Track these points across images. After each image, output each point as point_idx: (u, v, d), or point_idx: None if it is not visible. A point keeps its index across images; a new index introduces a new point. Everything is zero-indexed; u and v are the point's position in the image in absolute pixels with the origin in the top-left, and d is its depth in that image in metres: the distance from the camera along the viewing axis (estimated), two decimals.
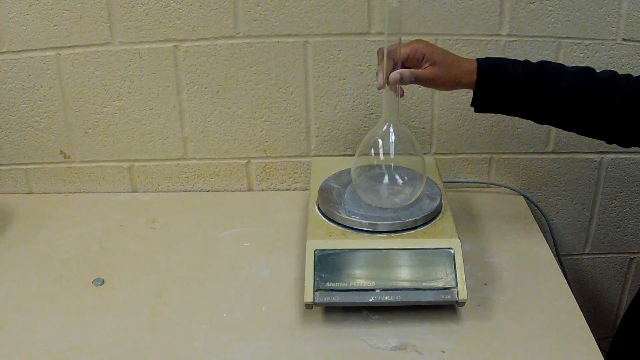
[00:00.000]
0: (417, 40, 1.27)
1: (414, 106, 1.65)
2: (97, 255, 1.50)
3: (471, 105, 1.30)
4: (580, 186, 1.76)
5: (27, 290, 1.38)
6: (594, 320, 1.90)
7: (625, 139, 1.26)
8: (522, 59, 1.58)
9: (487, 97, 1.27)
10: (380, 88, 1.26)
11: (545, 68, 1.26)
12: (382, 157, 1.34)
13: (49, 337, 1.25)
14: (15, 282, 1.41)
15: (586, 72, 1.26)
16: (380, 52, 1.26)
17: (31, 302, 1.34)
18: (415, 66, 1.26)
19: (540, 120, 1.30)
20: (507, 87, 1.25)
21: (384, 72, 1.24)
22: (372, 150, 1.33)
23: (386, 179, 1.37)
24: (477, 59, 1.27)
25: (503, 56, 1.57)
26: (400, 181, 1.37)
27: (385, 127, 1.32)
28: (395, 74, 1.23)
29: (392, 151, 1.33)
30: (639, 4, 1.55)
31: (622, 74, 1.26)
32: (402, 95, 1.31)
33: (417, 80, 1.24)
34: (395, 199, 1.36)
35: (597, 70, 1.26)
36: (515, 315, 1.28)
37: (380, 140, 1.33)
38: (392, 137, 1.32)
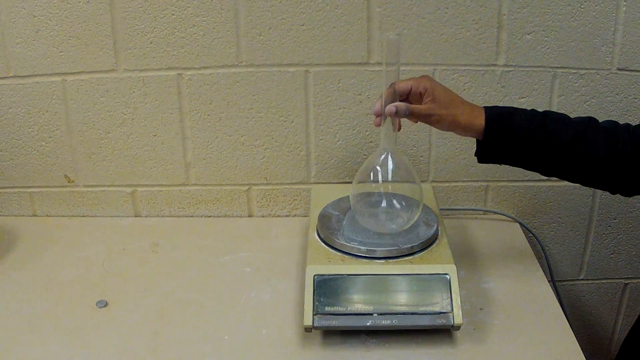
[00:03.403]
0: (423, 76, 1.26)
1: (412, 134, 1.67)
2: (100, 278, 1.51)
3: (475, 154, 1.29)
4: (575, 213, 1.77)
5: (30, 312, 1.39)
6: (589, 345, 1.92)
7: (628, 189, 1.26)
8: (518, 88, 1.61)
9: (495, 145, 1.25)
10: (376, 115, 1.25)
11: (549, 117, 1.25)
12: (379, 183, 1.35)
13: (53, 358, 1.26)
14: (19, 303, 1.42)
15: (589, 121, 1.26)
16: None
17: (35, 323, 1.35)
18: (416, 102, 1.25)
19: (545, 171, 1.29)
20: (514, 135, 1.23)
21: (383, 102, 1.23)
22: (370, 177, 1.34)
23: (384, 205, 1.38)
24: (485, 107, 1.25)
25: (500, 86, 1.60)
26: (397, 207, 1.38)
27: (383, 155, 1.33)
28: (390, 106, 1.22)
29: (389, 178, 1.35)
30: (633, 34, 1.57)
31: (622, 124, 1.26)
32: (398, 129, 1.29)
33: (412, 113, 1.23)
34: (393, 224, 1.37)
35: (600, 121, 1.27)
36: (510, 340, 1.29)
37: (378, 168, 1.34)
38: (389, 165, 1.33)
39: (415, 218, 1.37)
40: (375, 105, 1.25)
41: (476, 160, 1.60)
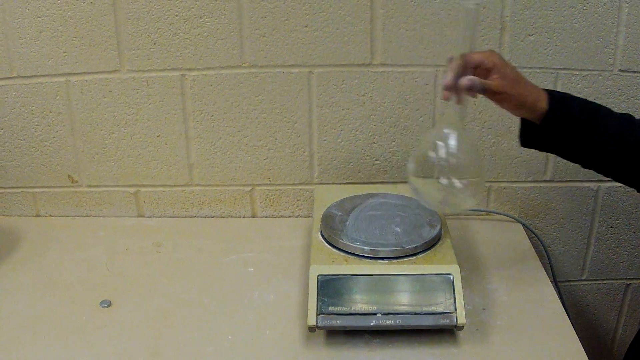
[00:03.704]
0: (491, 52, 1.21)
1: (415, 135, 1.67)
2: (103, 278, 1.51)
3: (520, 136, 1.26)
4: (578, 214, 1.77)
5: (34, 312, 1.39)
6: (591, 345, 1.92)
7: None
8: None
9: (551, 130, 1.22)
10: (446, 89, 1.18)
11: (601, 109, 1.24)
12: (441, 160, 1.24)
13: (56, 358, 1.26)
14: (22, 303, 1.42)
15: (629, 118, 1.24)
16: (450, 60, 1.20)
17: (38, 323, 1.36)
18: (482, 77, 1.19)
19: (585, 162, 1.26)
20: (573, 122, 1.21)
21: (454, 74, 1.17)
22: (432, 153, 1.24)
23: (444, 182, 1.25)
24: (545, 90, 1.22)
25: None
26: (459, 186, 1.25)
27: (447, 130, 1.24)
28: (466, 80, 1.16)
29: (452, 154, 1.24)
30: (636, 35, 1.57)
31: None
32: (459, 102, 1.21)
33: (484, 90, 1.18)
34: (451, 204, 1.30)
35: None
36: (512, 340, 1.30)
37: (441, 143, 1.23)
38: (454, 142, 1.23)
39: (475, 201, 1.29)
40: (446, 78, 1.18)
41: None
